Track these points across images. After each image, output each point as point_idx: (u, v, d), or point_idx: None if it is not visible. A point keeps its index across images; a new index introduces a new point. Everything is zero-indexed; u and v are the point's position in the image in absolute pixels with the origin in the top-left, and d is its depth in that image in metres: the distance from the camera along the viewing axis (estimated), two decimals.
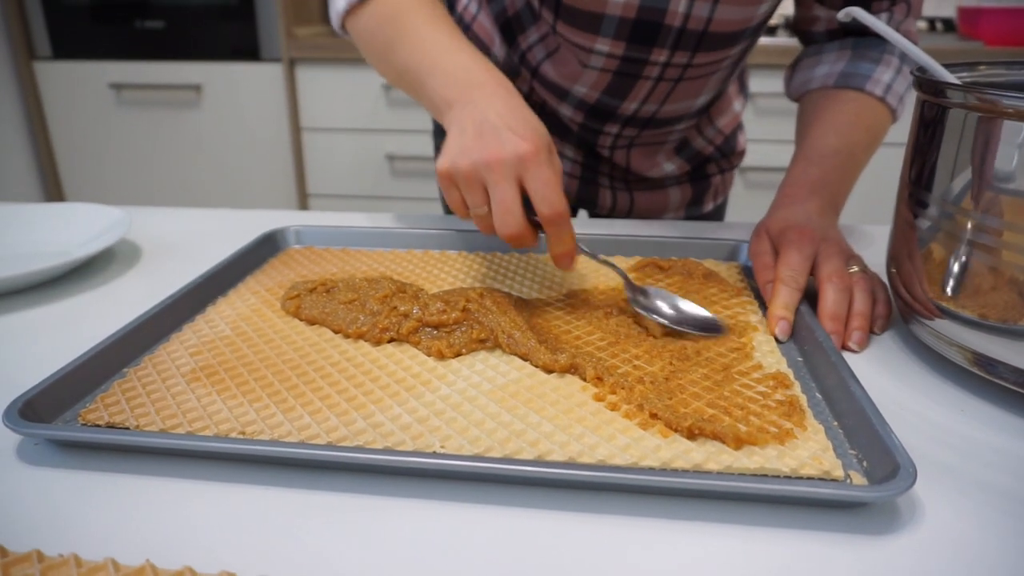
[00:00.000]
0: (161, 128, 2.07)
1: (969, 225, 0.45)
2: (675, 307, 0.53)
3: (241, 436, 0.40)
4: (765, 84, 1.73)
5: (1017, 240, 0.42)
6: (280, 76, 1.95)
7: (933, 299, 0.48)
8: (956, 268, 0.46)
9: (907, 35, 0.70)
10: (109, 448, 0.41)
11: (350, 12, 0.65)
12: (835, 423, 0.42)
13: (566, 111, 0.79)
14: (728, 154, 0.90)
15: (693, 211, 0.92)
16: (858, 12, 0.52)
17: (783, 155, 1.77)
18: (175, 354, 0.49)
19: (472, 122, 0.51)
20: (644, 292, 0.54)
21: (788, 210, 0.61)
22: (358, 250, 0.70)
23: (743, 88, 0.90)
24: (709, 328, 0.52)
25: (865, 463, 0.38)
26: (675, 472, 0.37)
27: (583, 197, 0.89)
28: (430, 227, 0.72)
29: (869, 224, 0.77)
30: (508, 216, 0.49)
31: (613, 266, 0.55)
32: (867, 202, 1.21)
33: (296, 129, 2.00)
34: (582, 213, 0.98)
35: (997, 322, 0.44)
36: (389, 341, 0.51)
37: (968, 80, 0.54)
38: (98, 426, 0.42)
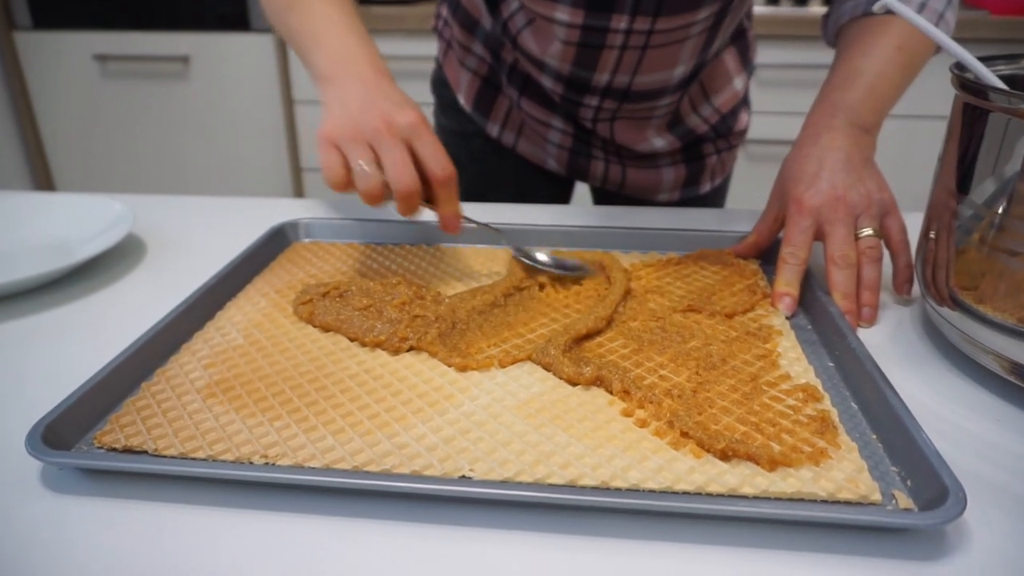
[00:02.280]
0: (148, 101, 2.01)
1: (1009, 231, 0.44)
2: (555, 259, 0.61)
3: (264, 459, 0.39)
4: (769, 55, 1.70)
5: None
6: (271, 47, 1.89)
7: (968, 303, 0.47)
8: (993, 273, 0.45)
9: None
10: (134, 474, 0.39)
11: None
12: (873, 436, 0.41)
13: (547, 82, 0.79)
14: (725, 134, 0.87)
15: (689, 192, 0.90)
16: (892, 3, 0.50)
17: (787, 128, 1.75)
18: (188, 367, 0.48)
19: (354, 96, 0.55)
20: (528, 253, 0.60)
21: (806, 152, 0.60)
22: (367, 245, 0.68)
23: (746, 64, 0.87)
24: (575, 269, 0.60)
25: (909, 482, 0.37)
26: (714, 497, 0.36)
27: (574, 168, 0.88)
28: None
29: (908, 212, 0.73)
30: (405, 171, 0.52)
31: (498, 231, 0.61)
32: (899, 186, 1.18)
33: (289, 101, 1.95)
34: (582, 188, 0.97)
35: None
36: (408, 350, 0.49)
37: (1007, 73, 0.52)
38: (115, 449, 0.40)
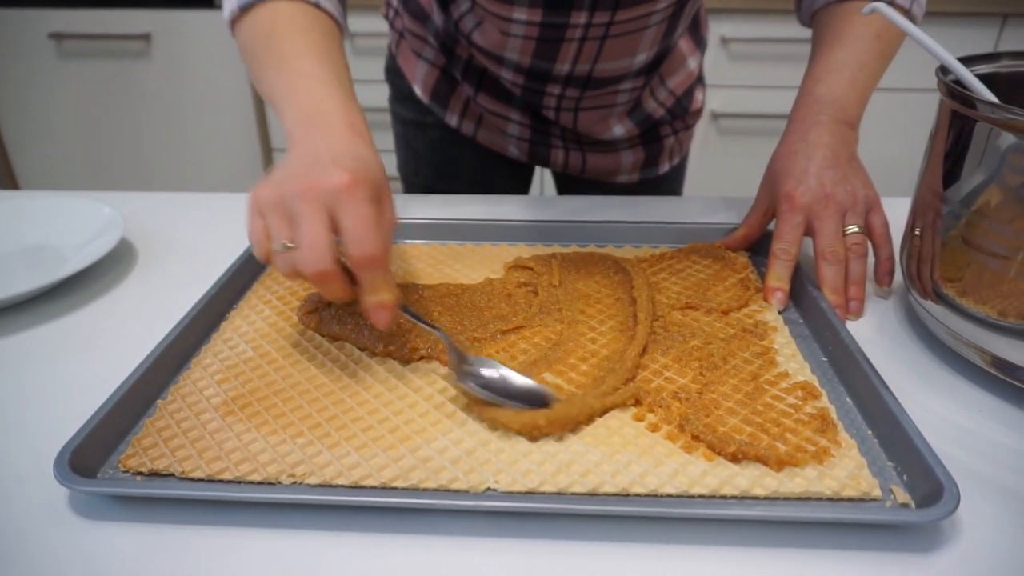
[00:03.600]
0: (108, 81, 1.95)
1: (988, 231, 0.46)
2: (503, 377, 0.45)
3: (291, 479, 0.40)
4: (739, 29, 1.71)
5: None
6: None
7: (951, 296, 0.50)
8: (975, 266, 0.48)
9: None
10: (166, 500, 0.40)
11: (234, 21, 0.60)
12: (869, 432, 0.44)
13: (507, 75, 0.79)
14: (681, 115, 0.88)
15: (648, 173, 0.92)
16: (880, 7, 0.52)
17: (756, 101, 1.78)
18: (201, 383, 0.48)
19: (303, 157, 0.47)
20: (468, 360, 0.46)
21: (794, 148, 0.62)
22: None
23: (700, 43, 0.87)
24: (535, 400, 0.44)
25: (905, 476, 0.40)
26: (728, 501, 0.39)
27: (535, 156, 0.89)
28: (432, 217, 0.70)
29: (889, 197, 0.70)
30: (313, 250, 0.43)
31: (437, 330, 0.48)
32: (888, 171, 1.21)
33: None
34: (547, 177, 0.97)
35: (1015, 322, 0.46)
36: (419, 359, 0.50)
37: (986, 72, 0.54)
38: (141, 473, 0.41)
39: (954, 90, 0.48)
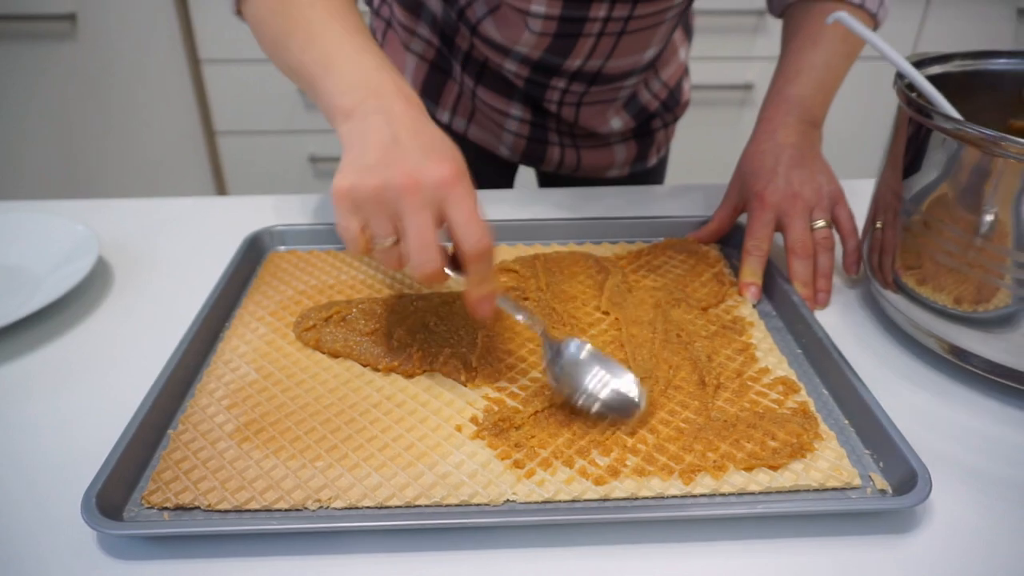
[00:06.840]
0: (30, 67, 1.84)
1: (942, 232, 0.50)
2: (602, 380, 0.48)
3: (318, 503, 0.42)
4: (700, 1, 1.72)
5: (993, 257, 0.48)
6: (170, 1, 1.76)
7: (910, 286, 0.54)
8: (931, 261, 0.52)
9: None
10: (197, 537, 0.41)
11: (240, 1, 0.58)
12: (846, 421, 0.48)
13: (511, 66, 0.78)
14: (672, 107, 0.91)
15: (638, 167, 0.94)
16: (843, 17, 0.54)
17: (718, 73, 1.81)
18: (210, 410, 0.49)
19: (378, 138, 0.45)
20: (560, 353, 0.49)
21: (763, 148, 0.65)
22: (345, 251, 0.69)
23: (688, 32, 0.90)
24: (624, 408, 0.47)
25: (881, 464, 0.44)
26: (726, 498, 0.42)
27: (530, 155, 0.89)
28: None
29: (850, 180, 0.74)
30: (427, 252, 0.44)
31: (535, 319, 0.50)
32: (853, 153, 1.26)
33: (194, 61, 1.83)
34: (530, 175, 0.97)
35: (969, 311, 0.50)
36: (422, 373, 0.52)
37: (938, 73, 0.58)
38: (166, 508, 0.42)
39: (912, 100, 0.51)
